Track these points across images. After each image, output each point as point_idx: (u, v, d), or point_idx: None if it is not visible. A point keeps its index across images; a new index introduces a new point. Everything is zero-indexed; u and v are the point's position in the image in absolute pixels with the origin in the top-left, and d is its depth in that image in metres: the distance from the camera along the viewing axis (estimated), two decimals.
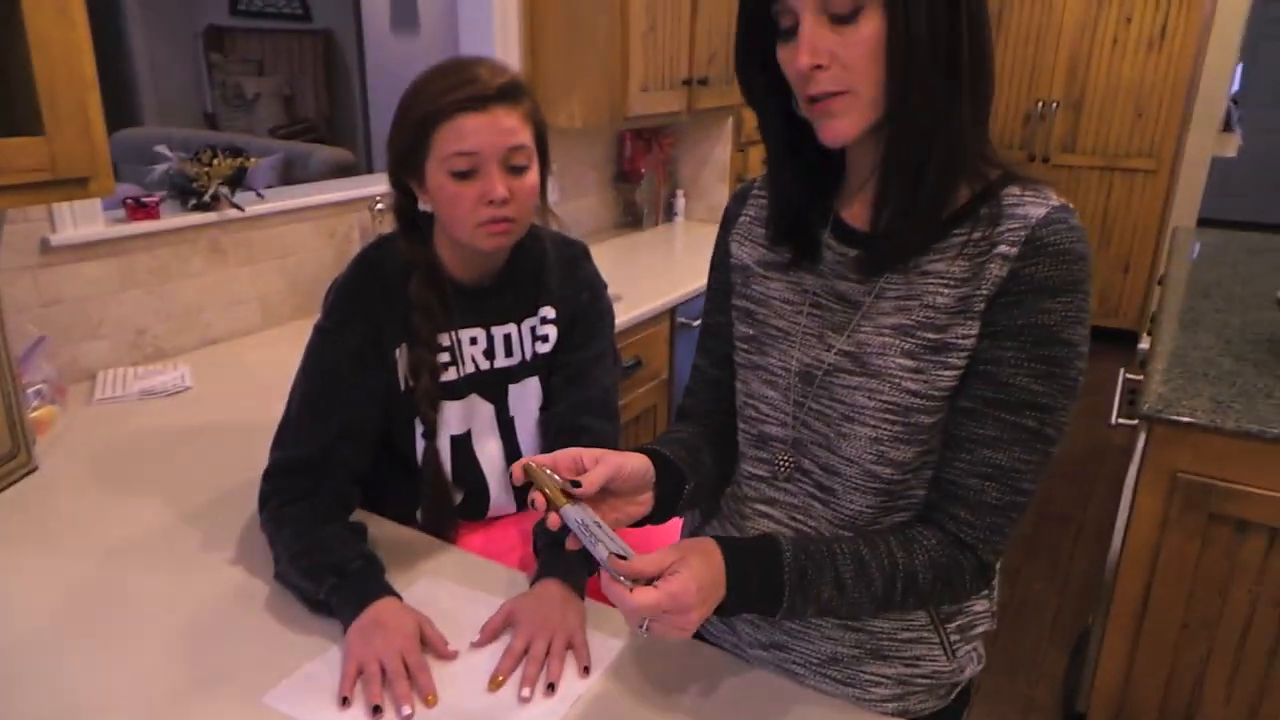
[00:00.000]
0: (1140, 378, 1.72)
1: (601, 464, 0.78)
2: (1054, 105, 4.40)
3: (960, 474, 0.82)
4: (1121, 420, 1.75)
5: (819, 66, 0.76)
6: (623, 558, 0.71)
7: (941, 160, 0.78)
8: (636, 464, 0.82)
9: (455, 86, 1.10)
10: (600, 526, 0.74)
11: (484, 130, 1.10)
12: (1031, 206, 0.78)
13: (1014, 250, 0.77)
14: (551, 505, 0.75)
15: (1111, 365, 4.15)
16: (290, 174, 4.79)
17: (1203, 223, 5.10)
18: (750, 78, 0.86)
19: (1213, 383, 1.62)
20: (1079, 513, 3.07)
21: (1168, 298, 2.18)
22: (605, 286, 1.34)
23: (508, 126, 1.11)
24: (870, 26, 0.74)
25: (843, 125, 0.78)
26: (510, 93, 1.12)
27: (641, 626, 0.71)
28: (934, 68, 0.75)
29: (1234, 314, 2.01)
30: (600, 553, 0.72)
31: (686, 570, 0.72)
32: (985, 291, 0.78)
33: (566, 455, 0.79)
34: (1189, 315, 2.02)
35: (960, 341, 0.80)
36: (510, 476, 0.80)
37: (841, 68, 0.76)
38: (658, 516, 0.86)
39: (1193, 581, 1.60)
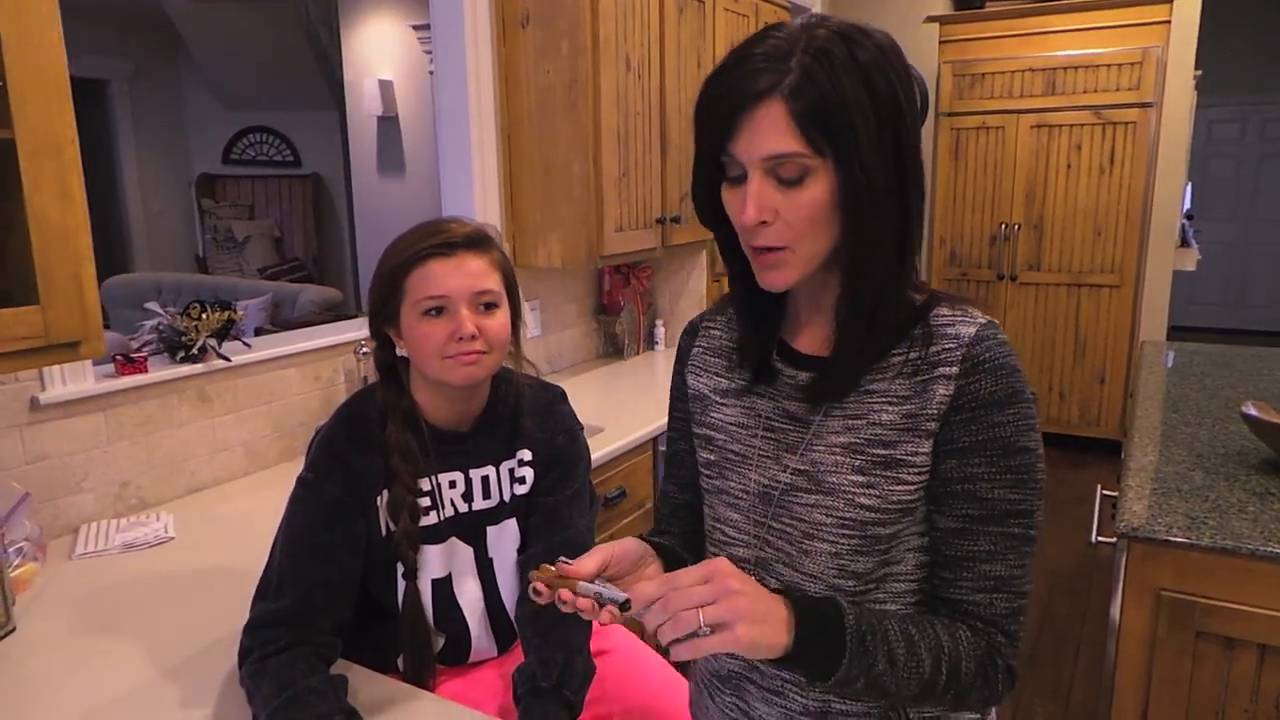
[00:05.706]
0: (1116, 494, 1.74)
1: (591, 553, 0.81)
2: (1016, 227, 4.57)
3: (965, 592, 0.85)
4: (1101, 539, 1.76)
5: (764, 222, 0.80)
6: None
7: (891, 298, 0.84)
8: (627, 543, 0.86)
9: (426, 237, 1.18)
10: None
11: (452, 274, 1.16)
12: (962, 325, 0.84)
13: (955, 369, 0.82)
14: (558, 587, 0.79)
15: (1100, 474, 4.18)
16: (279, 314, 4.89)
17: (1176, 329, 5.24)
18: (704, 208, 0.90)
19: (1186, 498, 1.64)
20: (1076, 628, 3.03)
21: (1138, 412, 2.22)
22: (581, 428, 1.38)
23: (475, 270, 1.18)
24: (814, 190, 0.79)
25: (779, 277, 0.84)
26: (478, 241, 1.20)
27: (698, 629, 0.71)
28: (888, 217, 0.80)
29: (1203, 427, 2.05)
30: (616, 595, 0.77)
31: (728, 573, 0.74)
32: (934, 411, 0.82)
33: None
34: (1160, 430, 2.06)
35: (911, 458, 0.83)
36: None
37: (785, 225, 0.80)
38: None
39: (1188, 703, 1.57)
